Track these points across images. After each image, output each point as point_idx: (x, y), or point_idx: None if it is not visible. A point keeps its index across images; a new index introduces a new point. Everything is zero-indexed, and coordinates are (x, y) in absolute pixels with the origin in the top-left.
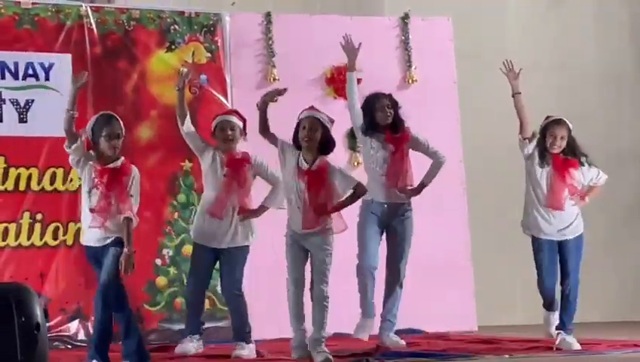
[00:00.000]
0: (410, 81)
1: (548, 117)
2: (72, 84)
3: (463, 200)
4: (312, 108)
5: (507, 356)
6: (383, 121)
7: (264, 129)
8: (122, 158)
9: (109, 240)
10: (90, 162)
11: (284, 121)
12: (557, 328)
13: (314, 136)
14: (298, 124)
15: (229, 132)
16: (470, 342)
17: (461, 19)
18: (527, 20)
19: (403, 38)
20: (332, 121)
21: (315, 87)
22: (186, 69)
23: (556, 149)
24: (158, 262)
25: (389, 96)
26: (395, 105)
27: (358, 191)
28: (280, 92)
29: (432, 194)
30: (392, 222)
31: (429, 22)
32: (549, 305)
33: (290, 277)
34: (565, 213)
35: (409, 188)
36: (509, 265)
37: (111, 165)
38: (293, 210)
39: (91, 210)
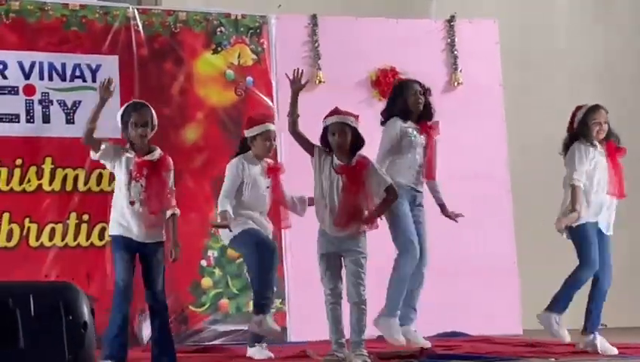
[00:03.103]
0: (455, 84)
1: (580, 107)
2: (101, 95)
3: (508, 202)
4: (336, 111)
5: (553, 359)
6: (415, 107)
7: (295, 128)
8: (158, 150)
9: (157, 239)
10: (128, 154)
11: None
12: (589, 330)
13: (345, 142)
14: (326, 129)
15: (273, 142)
16: (515, 346)
17: (508, 21)
18: (575, 22)
19: (449, 40)
20: (357, 117)
21: (361, 90)
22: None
23: (602, 134)
24: (204, 263)
25: (419, 82)
26: (426, 91)
27: (390, 195)
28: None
29: (477, 196)
30: (413, 210)
31: (476, 24)
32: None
33: (327, 287)
34: (613, 208)
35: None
36: (554, 268)
37: (148, 157)
38: (327, 212)
39: (131, 203)
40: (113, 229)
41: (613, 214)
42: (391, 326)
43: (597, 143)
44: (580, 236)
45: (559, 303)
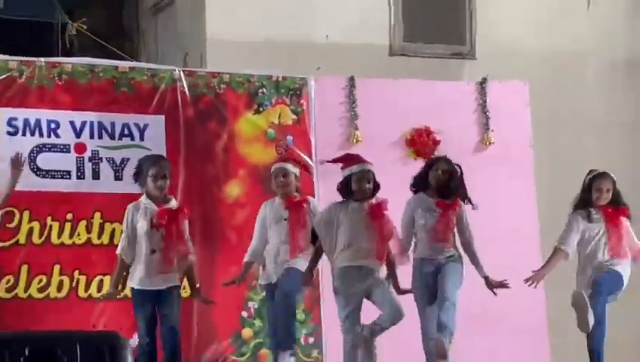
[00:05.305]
0: (487, 143)
1: (591, 171)
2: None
3: (538, 260)
4: (360, 159)
5: None
6: (434, 182)
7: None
8: (174, 199)
9: (172, 284)
10: (146, 203)
11: None
12: None
13: (370, 187)
14: (350, 177)
15: (282, 178)
16: None
17: (538, 82)
18: (604, 85)
19: (481, 101)
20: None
21: (396, 149)
22: None
23: (603, 201)
24: (245, 314)
25: (449, 161)
26: (451, 171)
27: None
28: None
29: (508, 252)
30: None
31: (507, 86)
32: None
33: (349, 318)
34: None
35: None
36: None
37: (166, 206)
38: (361, 251)
39: (152, 251)
40: (133, 282)
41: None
42: None
43: (593, 211)
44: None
45: None
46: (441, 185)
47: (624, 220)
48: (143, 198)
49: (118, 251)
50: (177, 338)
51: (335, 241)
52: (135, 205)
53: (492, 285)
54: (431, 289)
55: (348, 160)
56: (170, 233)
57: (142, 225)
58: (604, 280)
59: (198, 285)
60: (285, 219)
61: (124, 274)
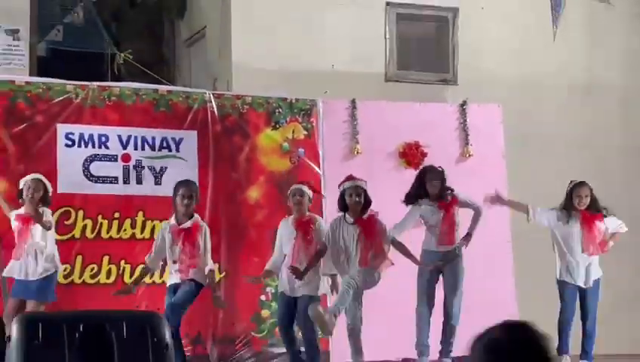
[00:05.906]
0: (467, 155)
1: (571, 181)
2: None
3: (509, 254)
4: (352, 177)
5: None
6: (431, 190)
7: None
8: (195, 217)
9: (186, 278)
10: (172, 221)
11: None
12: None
13: (360, 200)
14: (344, 192)
15: (298, 197)
16: None
17: (510, 104)
18: (565, 105)
19: (462, 120)
20: (366, 182)
21: (390, 159)
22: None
23: (582, 206)
24: (263, 297)
25: (437, 169)
26: (442, 178)
27: (395, 246)
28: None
29: (482, 249)
30: (444, 268)
31: (483, 107)
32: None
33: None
34: (592, 265)
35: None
36: (548, 309)
37: (184, 225)
38: (344, 261)
39: (174, 261)
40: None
41: (594, 269)
42: None
43: (573, 213)
44: (558, 290)
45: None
46: (439, 191)
47: (598, 223)
48: (172, 218)
49: (145, 259)
50: (175, 312)
51: (336, 249)
52: (165, 223)
53: (467, 241)
54: (432, 274)
55: (344, 179)
56: (184, 248)
57: (167, 240)
58: None
59: (217, 293)
60: (295, 238)
61: (143, 277)
